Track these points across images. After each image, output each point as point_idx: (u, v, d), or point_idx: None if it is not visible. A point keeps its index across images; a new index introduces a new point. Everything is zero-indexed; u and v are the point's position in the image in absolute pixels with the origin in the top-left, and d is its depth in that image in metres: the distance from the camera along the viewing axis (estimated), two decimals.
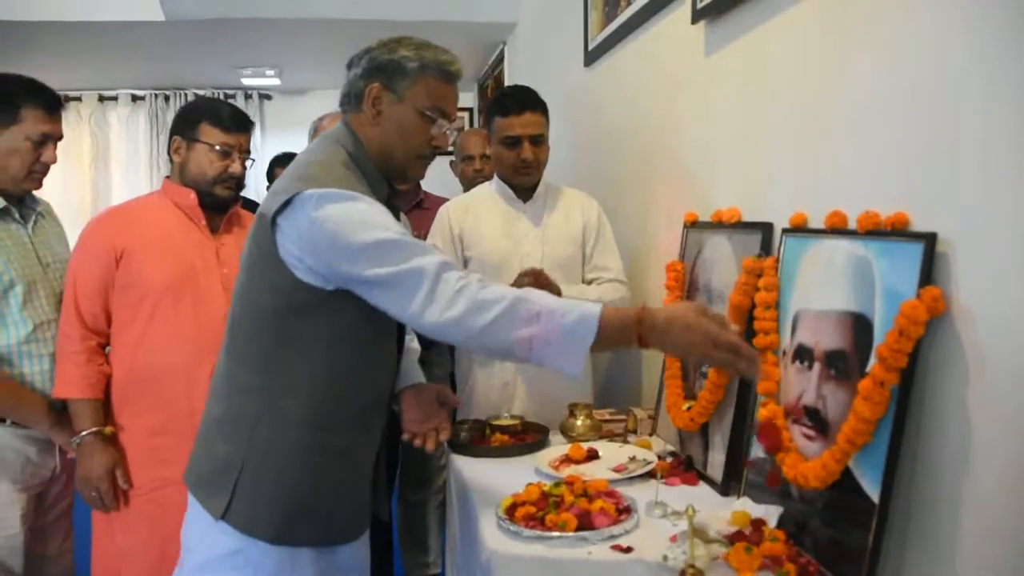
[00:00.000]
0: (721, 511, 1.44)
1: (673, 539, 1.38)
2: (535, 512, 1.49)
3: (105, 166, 6.89)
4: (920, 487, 1.22)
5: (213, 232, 2.11)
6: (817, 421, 1.36)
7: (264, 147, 6.54)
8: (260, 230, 1.43)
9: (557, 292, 2.21)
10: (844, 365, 1.31)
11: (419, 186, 3.15)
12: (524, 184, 2.36)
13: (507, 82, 5.01)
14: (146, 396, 2.01)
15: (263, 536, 1.42)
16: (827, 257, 1.41)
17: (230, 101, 6.09)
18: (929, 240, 1.17)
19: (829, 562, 1.27)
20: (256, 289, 1.45)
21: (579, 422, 2.04)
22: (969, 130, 1.13)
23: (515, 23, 4.74)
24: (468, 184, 3.17)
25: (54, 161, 2.06)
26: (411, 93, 1.48)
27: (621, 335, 1.29)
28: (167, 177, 2.15)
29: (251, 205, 2.53)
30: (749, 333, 1.59)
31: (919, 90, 1.23)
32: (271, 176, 4.01)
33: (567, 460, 1.85)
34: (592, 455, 1.86)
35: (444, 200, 2.79)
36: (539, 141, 2.31)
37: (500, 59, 5.35)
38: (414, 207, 3.06)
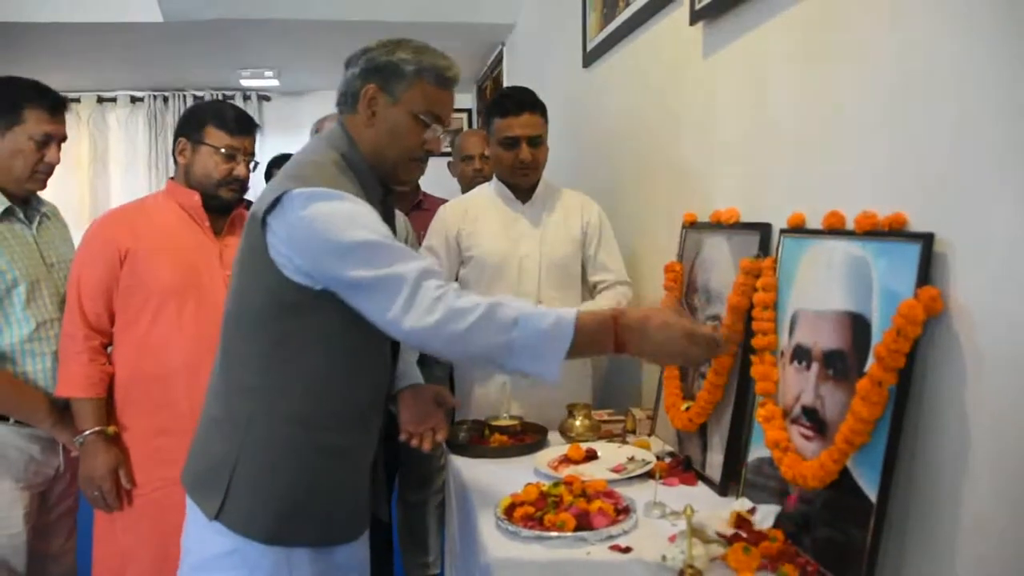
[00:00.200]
0: (719, 511, 1.44)
1: (672, 539, 1.38)
2: (534, 512, 1.49)
3: (104, 167, 6.90)
4: (918, 487, 1.22)
5: (216, 234, 2.11)
6: (815, 421, 1.36)
7: (263, 148, 6.48)
8: (252, 230, 1.44)
9: None
10: (842, 365, 1.32)
11: (419, 187, 3.15)
12: (523, 185, 2.36)
13: (506, 83, 5.02)
14: (149, 396, 2.01)
15: (257, 536, 1.42)
16: (825, 257, 1.41)
17: (226, 101, 6.11)
18: (927, 240, 1.17)
19: (828, 562, 1.27)
20: (249, 289, 1.46)
21: (578, 422, 2.04)
22: (967, 131, 1.14)
23: (514, 24, 4.75)
24: (467, 184, 3.18)
25: (58, 161, 2.08)
26: (406, 96, 1.48)
27: (598, 336, 1.30)
28: (171, 178, 2.15)
29: None
30: (747, 333, 1.59)
31: (916, 91, 1.24)
32: (269, 177, 4.02)
33: (566, 460, 1.85)
34: (591, 455, 1.86)
35: (443, 201, 2.79)
36: (538, 142, 2.32)
37: (499, 60, 5.36)
38: (413, 208, 3.06)
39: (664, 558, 1.30)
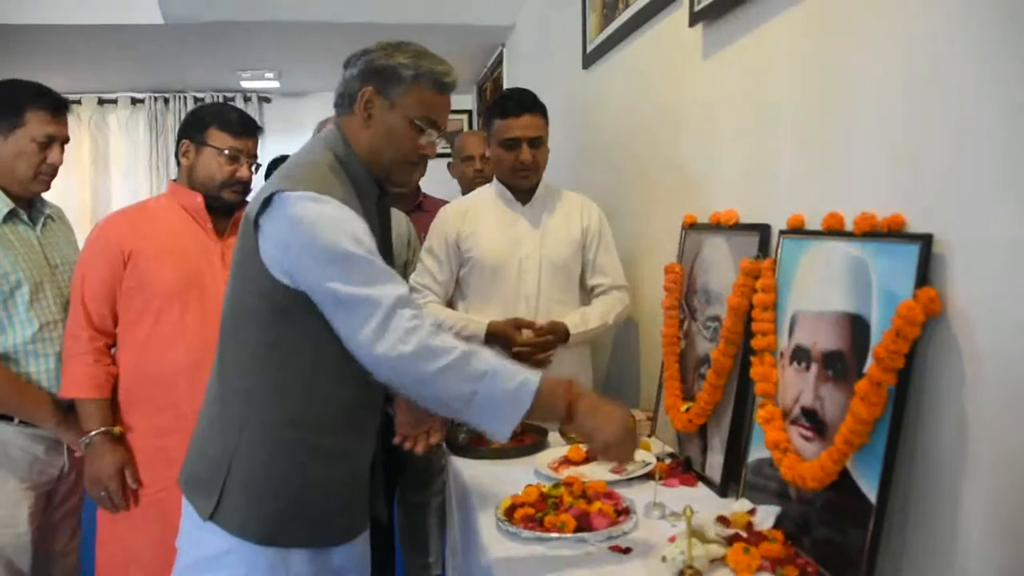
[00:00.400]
0: (720, 512, 1.45)
1: (672, 540, 1.38)
2: (534, 513, 1.49)
3: (105, 169, 6.90)
4: (917, 487, 1.22)
5: (219, 235, 2.12)
6: (815, 422, 1.37)
7: (264, 149, 6.53)
8: (245, 232, 1.45)
9: (564, 335, 2.24)
10: (841, 366, 1.32)
11: (419, 188, 3.15)
12: (523, 186, 2.36)
13: (506, 84, 5.02)
14: (152, 397, 2.02)
15: (252, 537, 1.42)
16: (824, 258, 1.41)
17: (229, 104, 6.11)
18: (925, 241, 1.17)
19: (827, 562, 1.27)
20: (243, 291, 1.46)
21: None
22: (965, 132, 1.14)
23: (514, 25, 4.75)
24: (467, 185, 3.18)
25: (60, 163, 2.09)
26: (403, 101, 1.48)
27: (554, 403, 1.36)
28: (174, 180, 2.16)
29: None
30: (747, 334, 1.60)
31: (915, 92, 1.24)
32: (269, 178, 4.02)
33: (566, 462, 1.85)
34: (591, 457, 1.86)
35: (444, 202, 2.80)
36: (538, 143, 2.32)
37: (499, 61, 5.36)
38: (414, 209, 3.06)
39: (664, 559, 1.30)
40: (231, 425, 1.45)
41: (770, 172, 1.72)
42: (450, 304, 2.42)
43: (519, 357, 2.26)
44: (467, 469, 1.88)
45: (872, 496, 1.20)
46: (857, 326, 1.29)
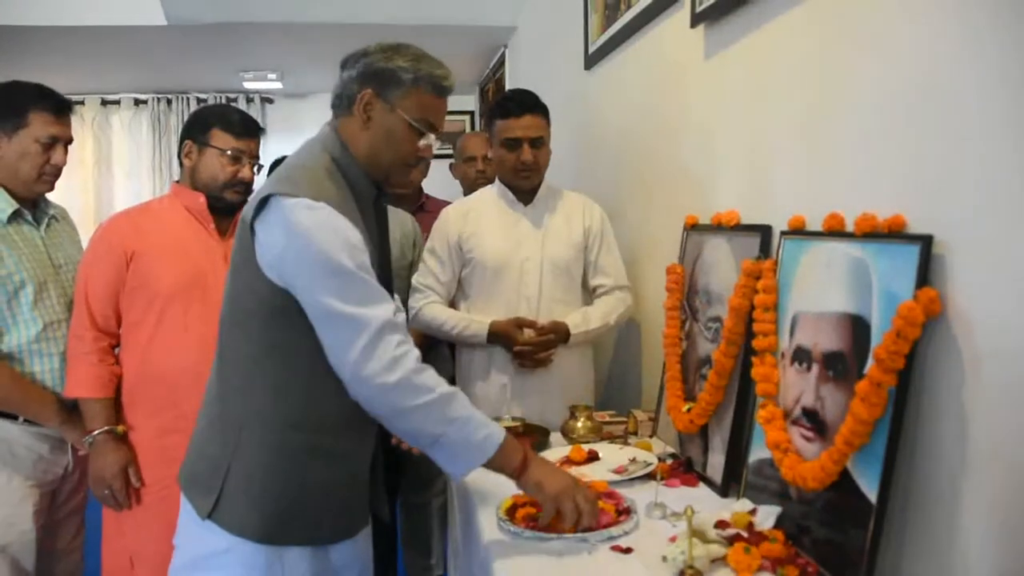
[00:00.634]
0: (720, 512, 1.45)
1: (672, 540, 1.39)
2: (535, 513, 1.49)
3: (108, 169, 6.92)
4: (917, 487, 1.22)
5: (222, 235, 2.13)
6: (815, 422, 1.37)
7: (266, 150, 6.54)
8: (242, 234, 1.45)
9: (565, 335, 2.25)
10: (842, 366, 1.32)
11: (421, 189, 3.16)
12: (524, 187, 2.37)
13: (508, 85, 5.03)
14: (155, 396, 2.03)
15: (251, 536, 1.43)
16: (825, 259, 1.42)
17: (232, 104, 6.12)
18: (925, 242, 1.18)
19: (828, 562, 1.28)
20: (241, 292, 1.47)
21: (580, 424, 2.05)
22: (965, 133, 1.14)
23: (516, 26, 4.76)
24: (469, 186, 3.18)
25: (64, 163, 2.11)
26: (403, 104, 1.49)
27: (512, 459, 1.44)
28: (176, 181, 2.17)
29: None
30: (748, 335, 1.60)
31: (916, 94, 1.24)
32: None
33: (568, 462, 1.85)
34: (592, 457, 1.87)
35: (446, 203, 2.80)
36: (539, 144, 2.32)
37: (501, 62, 5.37)
38: (416, 210, 3.07)
39: (665, 558, 1.30)
40: (231, 425, 1.45)
41: (771, 173, 1.72)
42: (452, 304, 2.43)
43: (520, 356, 2.27)
44: None
45: (872, 496, 1.20)
46: (858, 327, 1.29)
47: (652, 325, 2.42)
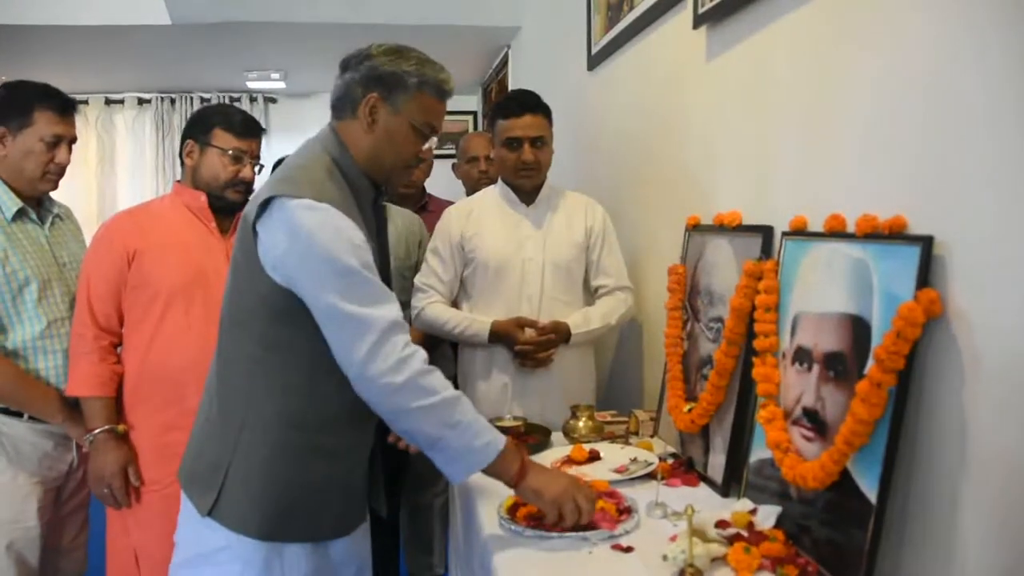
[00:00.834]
0: (721, 512, 1.45)
1: (673, 539, 1.39)
2: (536, 512, 1.50)
3: (111, 168, 6.93)
4: (917, 487, 1.23)
5: (223, 233, 2.14)
6: (816, 422, 1.37)
7: (269, 150, 6.55)
8: (244, 234, 1.46)
9: (566, 335, 2.25)
10: (842, 367, 1.32)
11: (424, 189, 3.17)
12: (525, 186, 2.37)
13: (511, 86, 5.03)
14: (157, 394, 2.04)
15: (251, 533, 1.44)
16: (826, 260, 1.42)
17: (235, 104, 6.12)
18: (926, 243, 1.18)
19: (827, 562, 1.28)
20: (242, 292, 1.48)
21: (581, 424, 2.06)
22: (966, 135, 1.15)
23: (519, 27, 4.76)
24: (472, 186, 3.19)
25: (68, 162, 2.12)
26: (408, 107, 1.51)
27: (510, 466, 1.45)
28: (178, 181, 2.18)
29: None
30: (749, 335, 1.60)
31: (917, 96, 1.25)
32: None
33: (569, 461, 1.86)
34: (594, 456, 1.87)
35: (448, 203, 2.81)
36: (540, 143, 2.33)
37: (504, 63, 5.37)
38: (419, 210, 3.08)
39: (665, 557, 1.30)
40: (230, 424, 1.46)
41: (773, 174, 1.72)
42: (455, 304, 2.43)
43: (521, 356, 2.27)
44: None
45: (872, 496, 1.21)
46: (858, 327, 1.30)
47: (654, 325, 2.42)
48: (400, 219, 2.70)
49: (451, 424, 1.40)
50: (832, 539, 1.29)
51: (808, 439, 1.39)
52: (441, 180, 3.73)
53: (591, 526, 1.45)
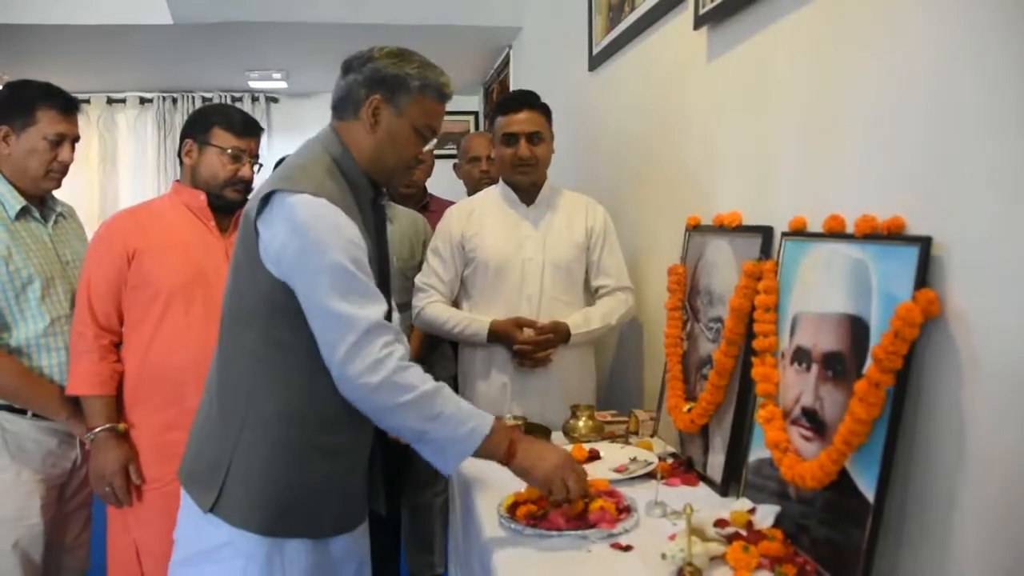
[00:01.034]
0: (720, 511, 1.46)
1: (672, 538, 1.39)
2: (536, 510, 1.51)
3: (113, 168, 6.94)
4: (915, 487, 1.23)
5: (223, 232, 2.15)
6: (815, 422, 1.38)
7: (271, 149, 6.58)
8: (245, 231, 1.47)
9: (566, 335, 2.26)
10: (841, 367, 1.33)
11: (425, 189, 3.17)
12: (523, 183, 2.37)
13: (512, 86, 5.04)
14: (158, 393, 2.04)
15: (252, 529, 1.45)
16: (825, 260, 1.42)
17: (237, 104, 6.13)
18: (924, 244, 1.19)
19: (826, 561, 1.29)
20: (242, 289, 1.49)
21: (581, 423, 2.06)
22: (965, 136, 1.15)
23: (520, 28, 4.77)
24: (474, 186, 3.20)
25: (71, 161, 2.14)
26: (410, 110, 1.54)
27: (496, 449, 1.47)
28: (177, 180, 2.19)
29: None
30: (749, 335, 1.61)
31: (917, 96, 1.25)
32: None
33: None
34: (594, 456, 1.88)
35: (449, 203, 2.81)
36: (537, 139, 2.33)
37: (505, 63, 5.37)
38: (420, 210, 3.08)
39: (664, 556, 1.31)
40: (231, 422, 1.47)
41: (773, 175, 1.73)
42: (456, 303, 2.44)
43: (519, 355, 2.28)
44: (470, 466, 1.88)
45: (870, 496, 1.21)
46: (857, 327, 1.30)
47: (654, 325, 2.43)
48: (404, 219, 2.71)
49: (432, 416, 1.41)
50: (830, 538, 1.29)
51: (807, 439, 1.39)
52: (442, 180, 3.73)
53: (590, 525, 1.45)
